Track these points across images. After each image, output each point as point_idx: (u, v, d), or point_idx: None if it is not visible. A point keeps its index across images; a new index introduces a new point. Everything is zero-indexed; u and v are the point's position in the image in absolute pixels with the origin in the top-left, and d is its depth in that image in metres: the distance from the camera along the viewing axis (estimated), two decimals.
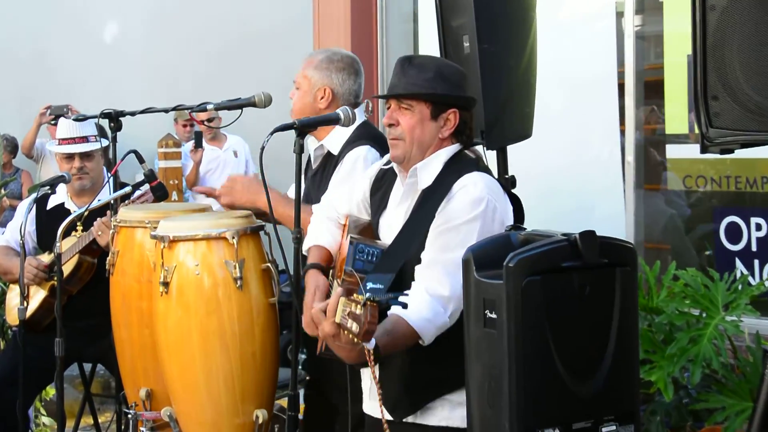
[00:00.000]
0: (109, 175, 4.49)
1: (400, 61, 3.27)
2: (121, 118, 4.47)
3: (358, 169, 3.84)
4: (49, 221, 4.98)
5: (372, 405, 3.35)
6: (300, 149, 3.30)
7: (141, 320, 4.11)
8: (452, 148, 3.25)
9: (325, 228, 3.56)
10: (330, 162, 4.02)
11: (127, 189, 4.41)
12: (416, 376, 3.19)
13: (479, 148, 3.80)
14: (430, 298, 3.03)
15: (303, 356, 3.33)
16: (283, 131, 3.32)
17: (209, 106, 4.09)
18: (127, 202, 4.53)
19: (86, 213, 4.41)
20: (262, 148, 3.23)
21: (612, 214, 6.02)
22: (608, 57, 6.12)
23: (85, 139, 4.99)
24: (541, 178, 5.94)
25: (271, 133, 3.25)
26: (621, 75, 6.07)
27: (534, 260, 2.66)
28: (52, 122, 8.83)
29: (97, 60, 10.26)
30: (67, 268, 4.75)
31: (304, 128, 3.34)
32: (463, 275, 2.79)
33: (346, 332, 2.71)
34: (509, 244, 2.82)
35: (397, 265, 3.10)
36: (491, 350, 2.67)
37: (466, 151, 3.29)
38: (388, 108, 3.28)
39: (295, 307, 3.24)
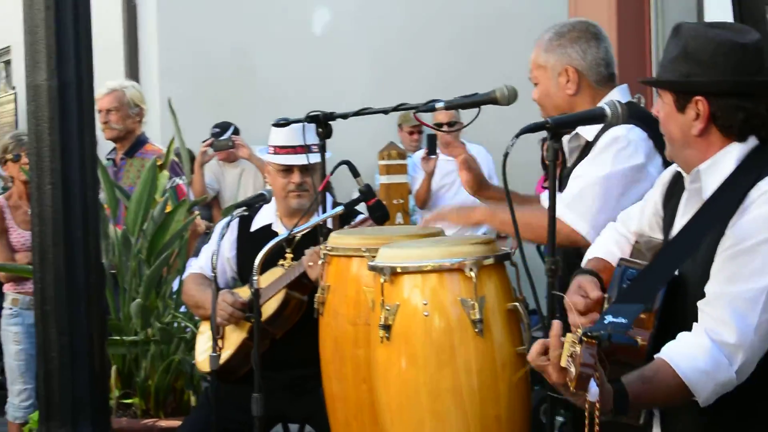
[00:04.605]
0: (317, 191, 4.51)
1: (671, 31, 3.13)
2: (331, 122, 4.47)
3: (612, 150, 3.76)
4: (253, 247, 4.97)
5: None
6: (554, 155, 3.18)
7: (357, 372, 4.08)
8: (747, 144, 3.04)
9: (614, 241, 3.45)
10: (587, 153, 3.93)
11: (339, 209, 4.40)
12: None
13: None
14: (711, 344, 2.85)
15: (561, 419, 3.21)
16: (533, 133, 3.22)
17: (438, 105, 4.05)
18: (347, 227, 4.51)
19: (293, 238, 4.42)
20: (506, 155, 3.15)
21: None
22: None
23: (307, 149, 4.86)
24: None
25: (517, 136, 3.17)
26: None
27: None
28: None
29: (304, 55, 10.47)
30: (271, 306, 4.79)
31: (559, 128, 3.22)
32: None
33: (568, 380, 2.60)
34: None
35: (652, 293, 2.93)
36: None
37: None
38: None
39: None
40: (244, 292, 4.94)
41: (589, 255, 3.47)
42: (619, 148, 3.79)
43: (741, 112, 2.99)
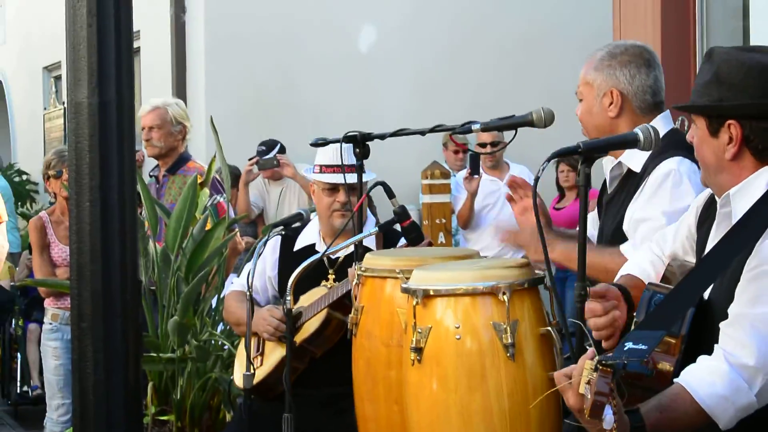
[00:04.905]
0: (353, 211, 4.51)
1: (704, 56, 3.11)
2: (368, 143, 4.48)
3: (667, 187, 3.72)
4: (295, 266, 4.97)
5: None
6: (585, 180, 3.17)
7: (389, 393, 4.07)
8: None
9: (649, 261, 3.43)
10: (631, 182, 3.90)
11: (373, 230, 4.40)
12: None
13: None
14: (729, 368, 2.82)
15: None
16: (565, 157, 3.22)
17: (474, 126, 4.05)
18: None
19: (336, 259, 4.39)
20: (536, 180, 3.15)
21: None
22: None
23: (354, 169, 4.76)
24: None
25: (548, 160, 3.16)
26: None
27: None
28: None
29: (348, 74, 10.49)
30: (312, 325, 4.80)
31: (590, 152, 3.21)
32: None
33: (584, 407, 2.59)
34: None
35: (675, 318, 2.89)
36: None
37: None
38: None
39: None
40: None
41: (622, 272, 3.45)
42: (673, 183, 3.75)
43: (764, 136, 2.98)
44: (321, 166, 4.98)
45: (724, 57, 3.04)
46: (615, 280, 3.44)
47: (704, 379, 2.81)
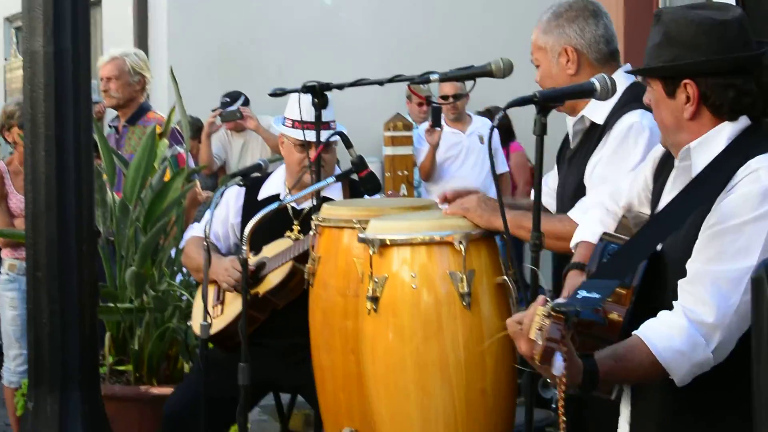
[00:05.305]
0: (310, 162, 4.48)
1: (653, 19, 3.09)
2: (327, 93, 4.45)
3: (630, 141, 3.72)
4: None
5: None
6: (541, 130, 3.16)
7: (345, 343, 4.07)
8: (739, 123, 3.00)
9: (600, 220, 3.42)
10: (593, 136, 3.89)
11: (330, 180, 4.38)
12: (680, 428, 2.99)
13: None
14: (688, 324, 2.82)
15: (555, 392, 3.19)
16: (521, 106, 3.20)
17: (433, 77, 4.03)
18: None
19: (302, 210, 4.41)
20: (492, 129, 3.13)
21: None
22: None
23: (326, 126, 4.72)
24: None
25: (504, 110, 3.15)
26: None
27: None
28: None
29: (314, 27, 10.42)
30: (276, 277, 4.80)
31: (547, 102, 3.19)
32: (753, 299, 2.55)
33: (534, 352, 2.59)
34: None
35: (630, 268, 2.90)
36: None
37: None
38: None
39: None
40: (252, 260, 4.91)
41: (576, 238, 3.45)
42: (636, 136, 3.74)
43: (731, 90, 2.95)
44: (293, 120, 4.90)
45: (672, 17, 3.02)
46: (572, 245, 3.45)
47: (662, 333, 2.81)
